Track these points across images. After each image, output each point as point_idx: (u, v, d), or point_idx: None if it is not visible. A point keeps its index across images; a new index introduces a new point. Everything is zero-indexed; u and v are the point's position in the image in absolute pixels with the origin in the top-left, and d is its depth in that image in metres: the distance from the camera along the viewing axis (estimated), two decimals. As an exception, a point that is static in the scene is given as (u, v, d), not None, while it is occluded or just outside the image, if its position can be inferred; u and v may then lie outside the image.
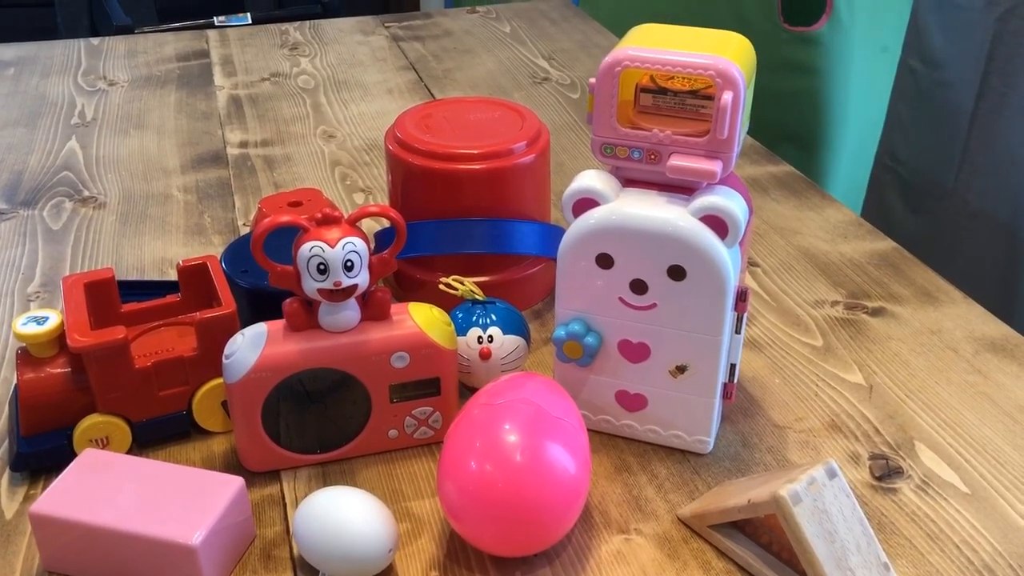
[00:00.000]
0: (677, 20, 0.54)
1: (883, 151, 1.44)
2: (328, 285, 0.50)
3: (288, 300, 0.53)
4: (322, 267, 0.50)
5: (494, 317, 0.60)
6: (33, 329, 0.55)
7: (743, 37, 0.54)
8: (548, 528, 0.48)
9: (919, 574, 0.49)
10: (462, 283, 0.61)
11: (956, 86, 1.51)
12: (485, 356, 0.59)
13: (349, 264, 0.50)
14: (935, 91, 1.52)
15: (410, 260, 0.69)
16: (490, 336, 0.59)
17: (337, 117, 1.05)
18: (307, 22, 1.36)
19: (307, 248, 0.50)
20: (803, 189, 0.89)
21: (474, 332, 0.60)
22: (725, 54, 0.50)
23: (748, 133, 0.99)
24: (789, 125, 1.35)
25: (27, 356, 0.56)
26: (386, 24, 1.35)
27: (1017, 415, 0.60)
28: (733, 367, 0.56)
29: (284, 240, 0.52)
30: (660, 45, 0.51)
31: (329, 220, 0.51)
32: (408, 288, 0.70)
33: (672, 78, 0.53)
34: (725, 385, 0.56)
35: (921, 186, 1.54)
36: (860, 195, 1.44)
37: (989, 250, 1.47)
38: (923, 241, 1.31)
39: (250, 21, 1.58)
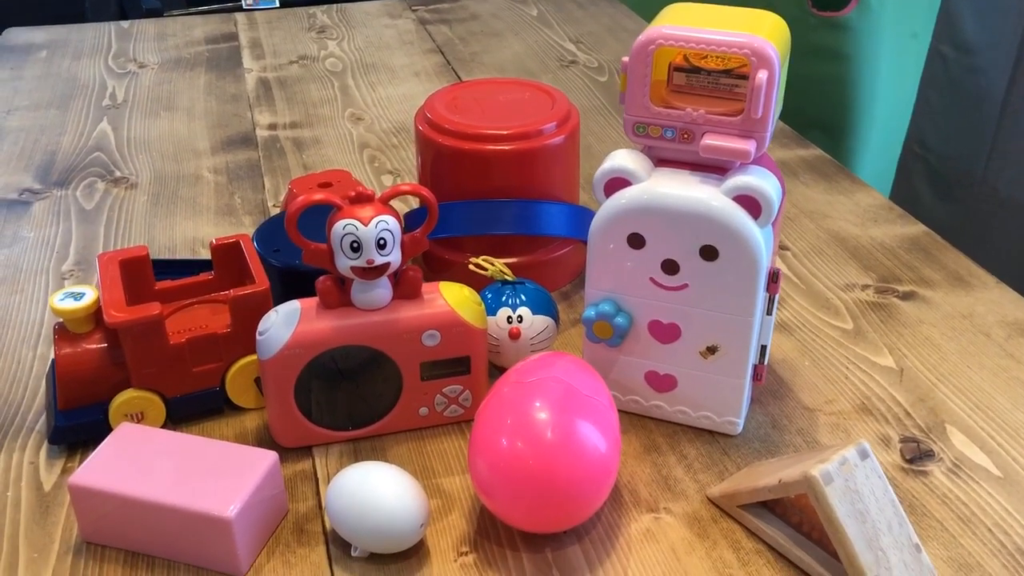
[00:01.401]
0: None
1: (911, 138, 1.42)
2: (361, 263, 0.51)
3: (321, 278, 0.53)
4: (355, 245, 0.50)
5: (523, 297, 0.60)
6: (70, 305, 0.55)
7: (778, 16, 0.53)
8: (578, 505, 0.49)
9: (951, 556, 0.49)
10: (492, 263, 0.62)
11: (988, 72, 1.48)
12: (514, 336, 0.59)
13: (382, 242, 0.51)
14: (966, 77, 1.50)
15: (439, 241, 0.69)
16: (519, 316, 0.60)
17: (365, 100, 1.05)
18: (334, 5, 1.37)
19: (341, 226, 0.50)
20: (833, 173, 0.88)
21: (504, 312, 0.60)
22: (760, 33, 0.50)
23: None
24: (817, 111, 1.34)
25: (64, 331, 0.57)
26: (413, 7, 1.35)
27: (1050, 400, 0.59)
28: (764, 348, 0.55)
29: (316, 219, 0.52)
30: (694, 24, 0.51)
31: (362, 199, 0.51)
32: (437, 269, 0.70)
33: (706, 57, 0.52)
34: (755, 367, 0.56)
35: (950, 173, 1.53)
36: (888, 182, 1.42)
37: (1018, 238, 1.45)
38: (951, 228, 1.29)
39: (278, 4, 1.59)
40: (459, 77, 1.11)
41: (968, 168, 1.51)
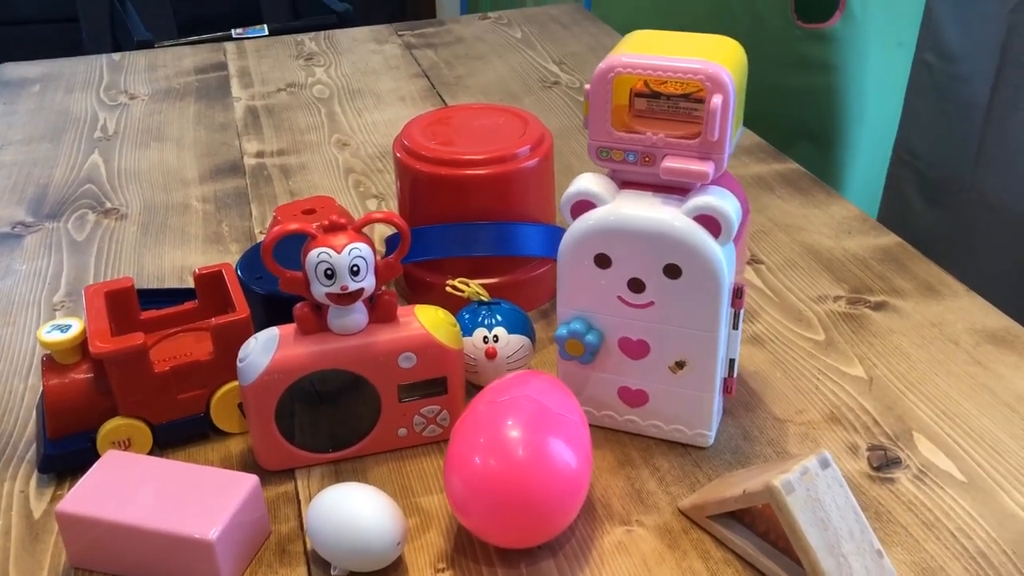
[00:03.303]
0: (691, 20, 0.56)
1: (900, 145, 1.44)
2: (336, 289, 0.52)
3: (298, 305, 0.55)
4: (329, 272, 0.52)
5: (499, 317, 0.62)
6: (57, 337, 0.57)
7: (734, 41, 0.55)
8: (550, 520, 0.50)
9: (914, 560, 0.50)
10: (468, 285, 0.63)
11: (971, 79, 1.50)
12: (491, 356, 0.61)
13: (355, 269, 0.52)
14: (950, 85, 1.52)
15: (419, 263, 0.71)
16: (495, 336, 0.61)
17: (351, 125, 1.07)
18: (322, 32, 1.39)
19: (315, 254, 0.52)
20: (808, 186, 0.90)
21: (480, 332, 0.61)
22: (715, 58, 0.51)
23: (760, 131, 1.01)
24: (805, 122, 1.35)
25: (52, 363, 0.58)
26: (399, 32, 1.38)
27: (1016, 405, 0.61)
28: (732, 362, 0.57)
29: (297, 247, 0.54)
30: (653, 51, 0.53)
31: (335, 227, 0.53)
32: (417, 291, 0.72)
33: (665, 82, 0.54)
34: (724, 380, 0.57)
35: (938, 180, 1.54)
36: (878, 190, 1.44)
37: (1007, 242, 1.47)
38: (941, 235, 1.31)
39: (267, 33, 1.61)
40: (444, 100, 1.13)
41: (956, 174, 1.52)
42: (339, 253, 0.52)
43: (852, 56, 1.32)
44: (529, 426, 0.50)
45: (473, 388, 0.62)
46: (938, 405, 0.61)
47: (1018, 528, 0.52)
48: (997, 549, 0.51)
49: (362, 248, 0.53)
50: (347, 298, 0.53)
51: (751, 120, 1.03)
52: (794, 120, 1.35)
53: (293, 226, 0.52)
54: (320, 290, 0.53)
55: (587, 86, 0.54)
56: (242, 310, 0.59)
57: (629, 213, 0.53)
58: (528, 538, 0.51)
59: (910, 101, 1.39)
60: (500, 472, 0.48)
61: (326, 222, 0.53)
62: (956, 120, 1.53)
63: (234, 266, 0.65)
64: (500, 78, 1.19)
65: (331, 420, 0.57)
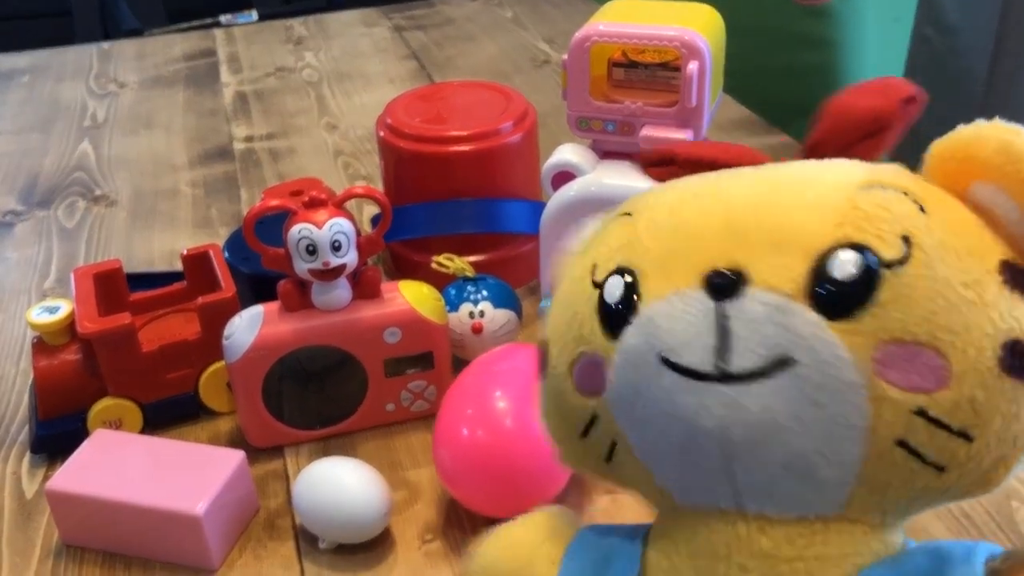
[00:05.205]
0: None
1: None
2: (317, 265, 0.53)
3: (282, 282, 0.55)
4: (311, 248, 0.52)
5: (485, 293, 0.62)
6: (46, 318, 0.57)
7: (712, 9, 0.55)
8: (538, 489, 0.50)
9: (897, 522, 0.50)
10: (453, 261, 0.63)
11: (970, 53, 1.50)
12: (477, 330, 0.61)
13: (336, 244, 0.52)
14: (949, 58, 1.52)
15: (406, 242, 0.71)
16: (481, 311, 0.61)
17: (340, 108, 1.07)
18: (311, 16, 1.39)
19: (296, 230, 0.52)
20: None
21: (466, 307, 0.62)
22: (692, 26, 0.51)
23: (759, 110, 1.01)
24: (805, 100, 1.34)
25: (42, 345, 0.59)
26: (389, 15, 1.37)
27: (1001, 368, 0.61)
28: (716, 331, 0.57)
29: (283, 227, 0.54)
30: (630, 19, 0.53)
31: (316, 203, 0.53)
32: (405, 270, 0.72)
33: (643, 51, 0.54)
34: (709, 348, 0.57)
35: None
36: (880, 164, 1.44)
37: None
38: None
39: (256, 18, 1.61)
40: (433, 81, 1.13)
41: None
42: (320, 229, 0.52)
43: (851, 32, 1.31)
44: (516, 397, 0.50)
45: (460, 363, 0.63)
46: (923, 370, 0.61)
47: (1001, 489, 0.52)
48: (980, 510, 0.51)
49: (343, 223, 0.53)
50: (329, 274, 0.53)
51: (750, 98, 1.02)
52: (793, 98, 1.34)
53: (274, 202, 0.53)
54: (302, 266, 0.53)
55: (564, 56, 0.54)
56: (228, 289, 0.59)
57: (608, 182, 0.53)
58: (516, 507, 0.50)
59: (909, 75, 1.39)
60: (488, 443, 0.49)
61: (306, 198, 0.53)
62: (955, 93, 1.52)
63: (221, 247, 0.65)
64: (490, 58, 1.19)
65: (319, 397, 0.58)
